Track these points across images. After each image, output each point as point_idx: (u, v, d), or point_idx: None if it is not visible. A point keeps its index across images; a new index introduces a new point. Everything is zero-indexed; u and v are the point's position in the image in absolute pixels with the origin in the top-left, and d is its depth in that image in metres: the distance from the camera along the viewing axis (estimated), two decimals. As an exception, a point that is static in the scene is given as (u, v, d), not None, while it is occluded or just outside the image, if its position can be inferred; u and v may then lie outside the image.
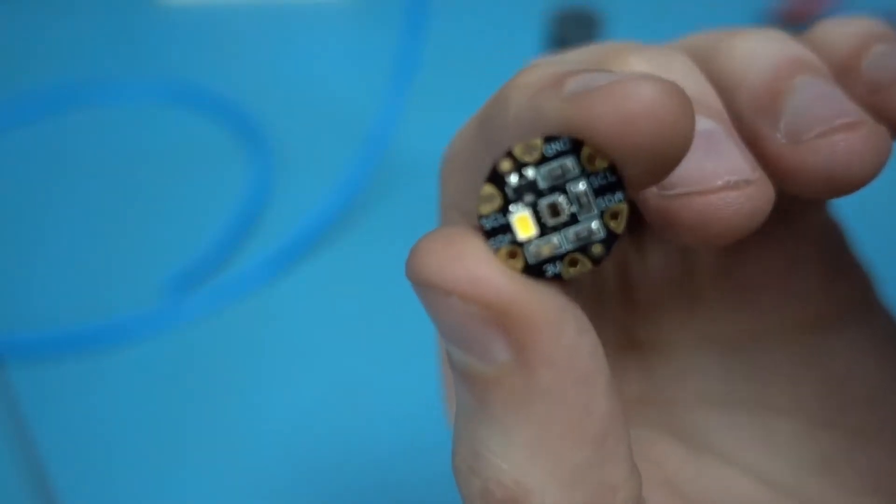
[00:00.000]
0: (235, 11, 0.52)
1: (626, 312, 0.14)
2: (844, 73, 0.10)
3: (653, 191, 0.09)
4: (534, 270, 0.08)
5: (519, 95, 0.09)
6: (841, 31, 0.11)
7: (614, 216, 0.08)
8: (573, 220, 0.08)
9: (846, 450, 0.12)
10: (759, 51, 0.10)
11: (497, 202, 0.08)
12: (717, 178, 0.09)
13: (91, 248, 0.36)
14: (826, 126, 0.09)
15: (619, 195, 0.08)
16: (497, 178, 0.08)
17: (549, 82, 0.09)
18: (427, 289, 0.08)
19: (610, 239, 0.08)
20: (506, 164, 0.08)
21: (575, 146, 0.08)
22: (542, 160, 0.08)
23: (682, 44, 0.12)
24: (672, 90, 0.08)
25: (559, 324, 0.08)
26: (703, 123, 0.10)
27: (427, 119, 0.42)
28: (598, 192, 0.08)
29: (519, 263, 0.08)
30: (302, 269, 0.34)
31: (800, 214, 0.12)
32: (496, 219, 0.08)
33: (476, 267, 0.08)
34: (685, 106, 0.08)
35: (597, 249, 0.08)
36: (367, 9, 0.52)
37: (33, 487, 0.27)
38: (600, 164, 0.08)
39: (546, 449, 0.08)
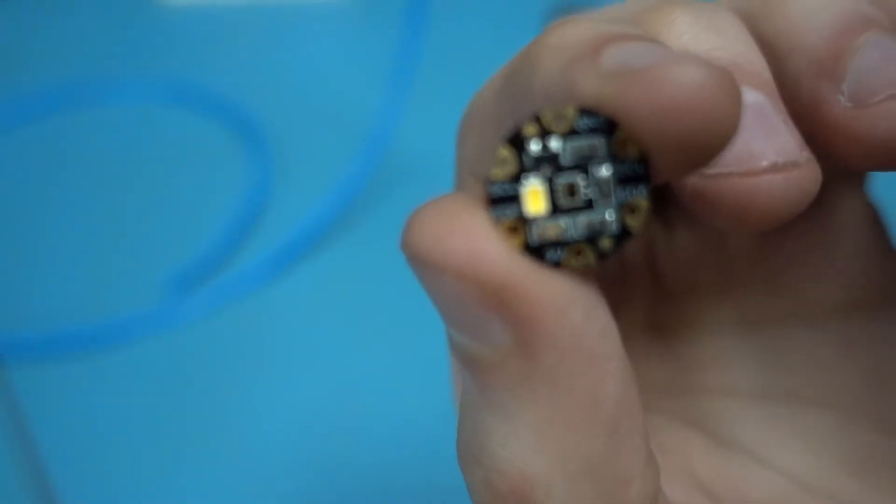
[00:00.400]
0: (235, 11, 0.52)
1: (652, 294, 0.13)
2: None
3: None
4: (533, 252, 0.08)
5: (550, 60, 0.08)
6: None
7: (633, 211, 0.08)
8: (588, 206, 0.08)
9: (886, 447, 0.11)
10: (816, 6, 0.09)
11: (511, 168, 0.08)
12: (764, 159, 0.08)
13: (91, 248, 0.36)
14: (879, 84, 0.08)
15: (642, 189, 0.08)
16: (517, 142, 0.08)
17: (585, 50, 0.08)
18: (420, 265, 0.08)
19: (623, 235, 0.08)
20: (530, 129, 0.08)
21: (610, 126, 0.08)
22: (571, 133, 0.08)
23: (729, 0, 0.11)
24: (723, 80, 0.07)
25: (564, 303, 0.08)
26: (751, 96, 0.09)
27: (427, 119, 0.42)
28: (623, 181, 0.08)
29: (518, 240, 0.08)
30: (302, 270, 0.34)
31: (840, 192, 0.11)
32: (506, 187, 0.08)
33: (472, 241, 0.07)
34: (734, 97, 0.07)
35: (605, 244, 0.08)
36: (367, 9, 0.52)
37: (33, 487, 0.27)
38: (632, 151, 0.08)
39: (552, 438, 0.08)
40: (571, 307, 0.08)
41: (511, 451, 0.08)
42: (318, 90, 0.45)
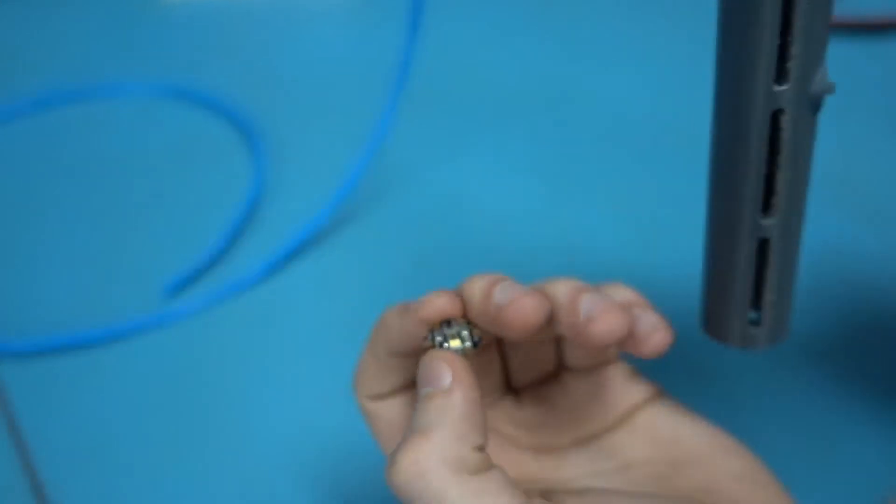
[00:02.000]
0: (235, 11, 0.52)
1: (514, 408, 0.23)
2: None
3: (495, 305, 0.18)
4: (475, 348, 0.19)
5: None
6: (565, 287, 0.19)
7: (472, 334, 0.19)
8: (463, 330, 0.19)
9: None
10: (562, 286, 0.19)
11: (441, 338, 0.19)
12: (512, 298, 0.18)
13: (89, 248, 0.36)
14: (597, 313, 0.18)
15: (474, 338, 0.19)
16: (437, 342, 0.19)
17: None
18: (432, 364, 0.18)
19: (474, 341, 0.19)
20: (438, 337, 0.19)
21: (447, 320, 0.19)
22: (448, 325, 0.19)
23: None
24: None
25: (471, 377, 0.18)
26: (517, 289, 0.19)
27: (425, 120, 0.42)
28: (465, 326, 0.19)
29: (470, 350, 0.19)
30: (299, 269, 0.34)
31: (594, 366, 0.22)
32: (448, 350, 0.19)
33: (449, 354, 0.18)
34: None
35: (476, 336, 0.19)
36: (367, 9, 0.52)
37: (25, 486, 0.27)
38: (460, 321, 0.19)
39: (455, 429, 0.17)
40: (472, 380, 0.18)
41: (417, 451, 0.17)
42: (317, 90, 0.45)
